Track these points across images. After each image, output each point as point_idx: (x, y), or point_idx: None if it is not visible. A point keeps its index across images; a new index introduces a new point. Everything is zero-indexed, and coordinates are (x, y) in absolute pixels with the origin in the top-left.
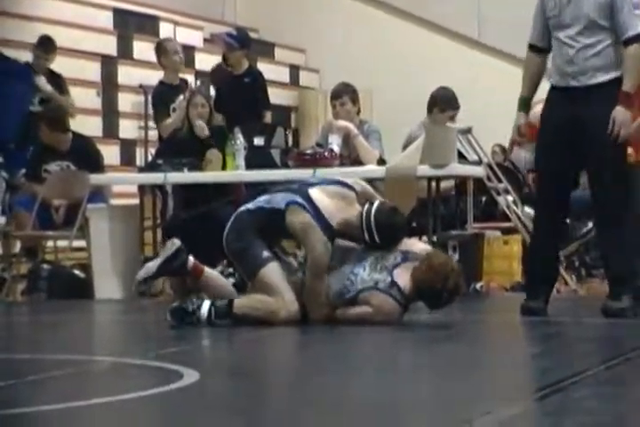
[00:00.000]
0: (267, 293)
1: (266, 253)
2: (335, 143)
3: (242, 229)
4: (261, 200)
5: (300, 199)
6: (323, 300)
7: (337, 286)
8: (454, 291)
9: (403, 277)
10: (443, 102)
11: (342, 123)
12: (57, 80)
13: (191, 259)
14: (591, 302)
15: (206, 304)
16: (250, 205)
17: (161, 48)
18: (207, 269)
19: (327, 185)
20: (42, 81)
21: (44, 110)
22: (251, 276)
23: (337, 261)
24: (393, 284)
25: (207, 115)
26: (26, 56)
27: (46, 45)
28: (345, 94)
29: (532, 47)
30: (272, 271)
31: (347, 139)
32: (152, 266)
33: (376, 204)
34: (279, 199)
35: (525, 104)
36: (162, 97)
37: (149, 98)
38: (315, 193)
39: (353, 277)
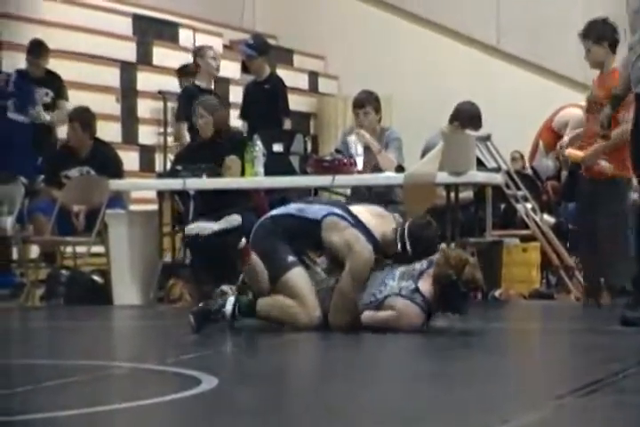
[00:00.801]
0: (290, 297)
1: (291, 258)
2: (356, 150)
3: (269, 232)
4: (292, 208)
5: (338, 211)
6: (351, 308)
7: (366, 297)
8: (471, 281)
9: (426, 283)
10: (464, 118)
11: (367, 137)
12: (55, 83)
13: (244, 240)
14: (609, 310)
15: (231, 302)
16: (276, 212)
17: (199, 52)
18: (253, 256)
19: (365, 205)
20: (36, 113)
21: (76, 112)
22: (275, 279)
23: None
24: (415, 290)
25: (210, 125)
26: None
27: (35, 50)
28: (368, 104)
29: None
30: (297, 276)
31: (367, 148)
32: (207, 227)
33: (411, 219)
34: (316, 209)
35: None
36: (188, 96)
37: (169, 104)
38: (354, 208)
39: (382, 288)
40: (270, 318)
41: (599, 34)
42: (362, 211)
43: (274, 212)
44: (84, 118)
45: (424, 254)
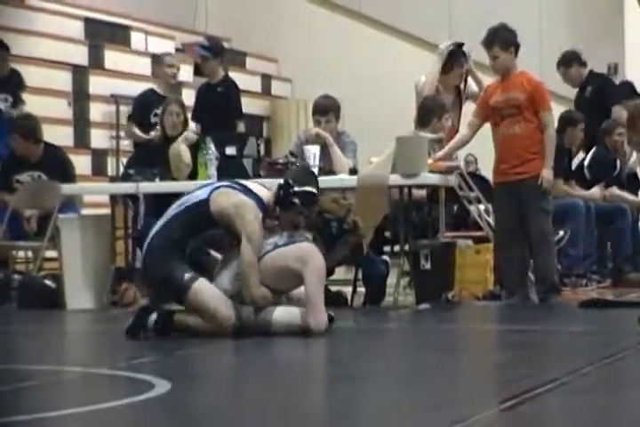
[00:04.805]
0: (201, 312)
1: (187, 275)
2: (313, 154)
3: (158, 256)
4: (171, 209)
5: (225, 183)
6: (256, 280)
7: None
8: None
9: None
10: (441, 109)
11: (321, 131)
12: (14, 87)
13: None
14: (563, 310)
15: (152, 319)
16: (154, 229)
17: (157, 59)
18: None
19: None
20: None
21: (16, 120)
22: (181, 301)
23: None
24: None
25: (180, 125)
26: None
27: None
28: (332, 112)
29: None
30: (200, 290)
31: (324, 149)
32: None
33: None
34: (199, 193)
35: None
36: (145, 101)
37: (120, 107)
38: (242, 181)
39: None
40: (189, 328)
41: (505, 40)
42: (249, 182)
43: (152, 230)
44: (23, 128)
45: (305, 183)
